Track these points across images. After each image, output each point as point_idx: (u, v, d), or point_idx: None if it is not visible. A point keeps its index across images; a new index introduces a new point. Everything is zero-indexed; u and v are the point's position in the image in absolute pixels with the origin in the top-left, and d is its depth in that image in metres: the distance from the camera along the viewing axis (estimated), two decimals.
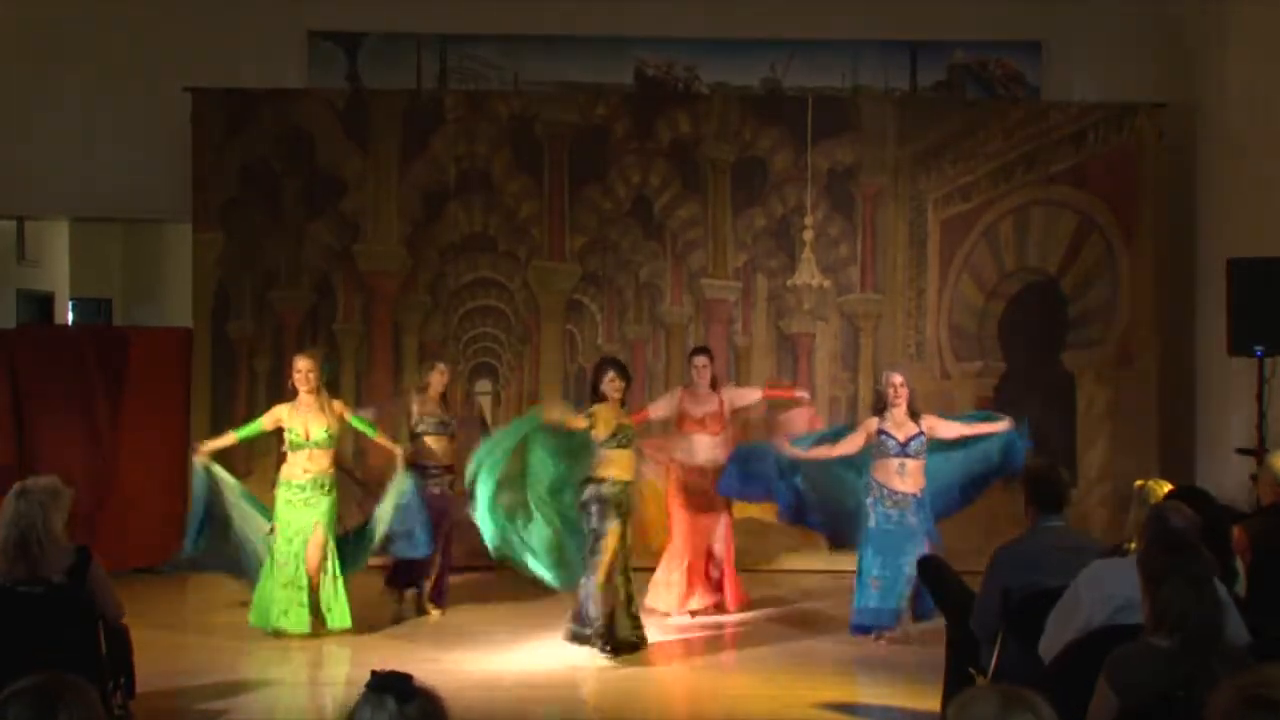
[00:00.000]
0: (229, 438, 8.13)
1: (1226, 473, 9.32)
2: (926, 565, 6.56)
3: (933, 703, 6.11)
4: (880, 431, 7.79)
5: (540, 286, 10.29)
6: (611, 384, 7.54)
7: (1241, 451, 8.73)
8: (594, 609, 7.38)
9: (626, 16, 10.51)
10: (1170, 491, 5.49)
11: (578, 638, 7.46)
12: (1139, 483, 5.85)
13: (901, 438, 7.74)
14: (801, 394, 8.85)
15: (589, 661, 7.43)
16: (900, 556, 7.61)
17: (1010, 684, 2.61)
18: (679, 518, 8.44)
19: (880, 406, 7.92)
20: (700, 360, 8.52)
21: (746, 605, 8.65)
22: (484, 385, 9.85)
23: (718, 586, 8.52)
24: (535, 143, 10.27)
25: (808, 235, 10.24)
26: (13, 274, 13.35)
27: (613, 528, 7.38)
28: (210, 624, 8.20)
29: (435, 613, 8.48)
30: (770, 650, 8.05)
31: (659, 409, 8.60)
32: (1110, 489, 9.89)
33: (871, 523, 7.80)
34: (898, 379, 7.91)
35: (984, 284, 10.26)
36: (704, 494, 8.34)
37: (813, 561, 9.75)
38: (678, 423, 8.45)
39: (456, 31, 10.59)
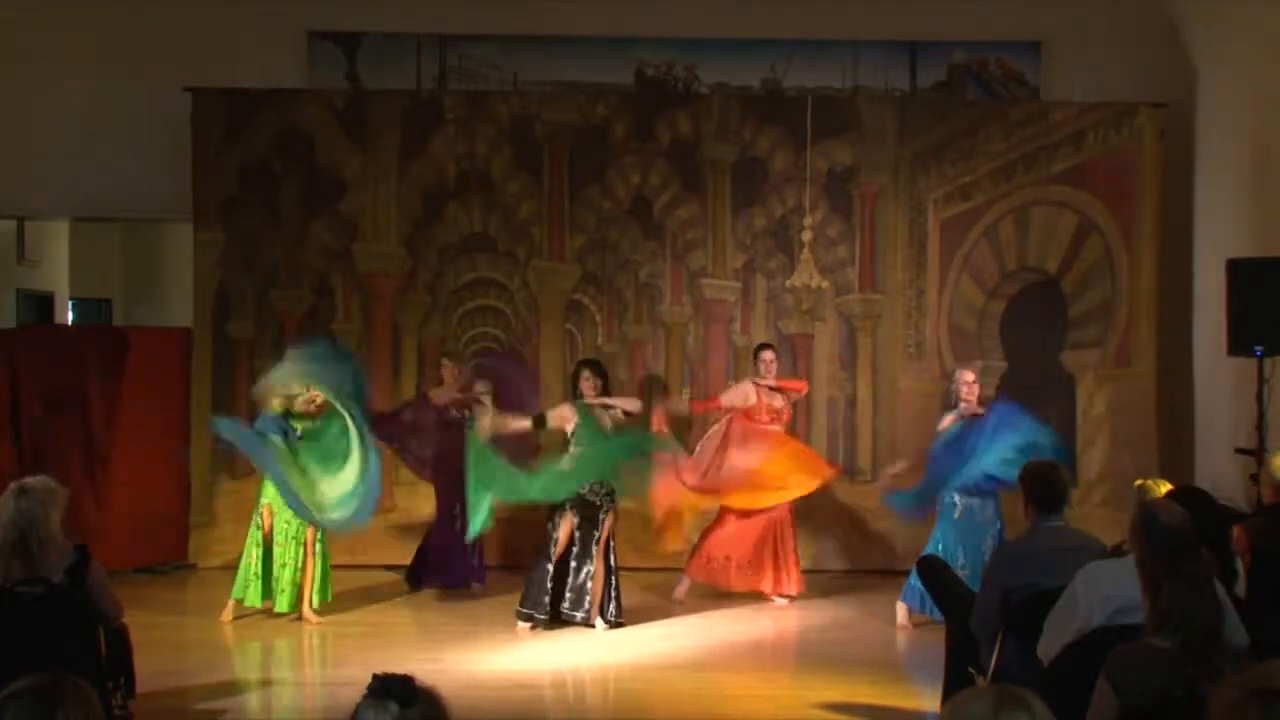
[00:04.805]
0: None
1: (1226, 473, 9.32)
2: (926, 566, 6.55)
3: (933, 703, 6.12)
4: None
5: (540, 286, 10.29)
6: (586, 383, 8.28)
7: (1241, 451, 8.73)
8: (542, 592, 8.04)
9: (626, 16, 10.50)
10: (1170, 491, 5.50)
11: (522, 617, 8.04)
12: (1139, 482, 5.87)
13: None
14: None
15: (589, 662, 7.47)
16: (981, 546, 7.84)
17: (1010, 684, 2.61)
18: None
19: (952, 403, 8.32)
20: (768, 355, 8.97)
21: (793, 594, 8.87)
22: (484, 385, 9.82)
23: (765, 571, 8.86)
24: (535, 143, 10.27)
25: (806, 236, 10.24)
26: (13, 274, 13.34)
27: (566, 518, 8.04)
28: (210, 624, 8.20)
29: (475, 587, 9.18)
30: (770, 650, 8.08)
31: (731, 398, 9.00)
32: (1110, 489, 9.89)
33: (956, 514, 8.04)
34: (970, 376, 8.38)
35: (984, 284, 10.26)
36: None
37: (817, 561, 9.77)
38: (754, 413, 8.86)
39: (456, 31, 10.58)
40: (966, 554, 7.89)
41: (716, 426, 9.03)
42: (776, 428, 8.96)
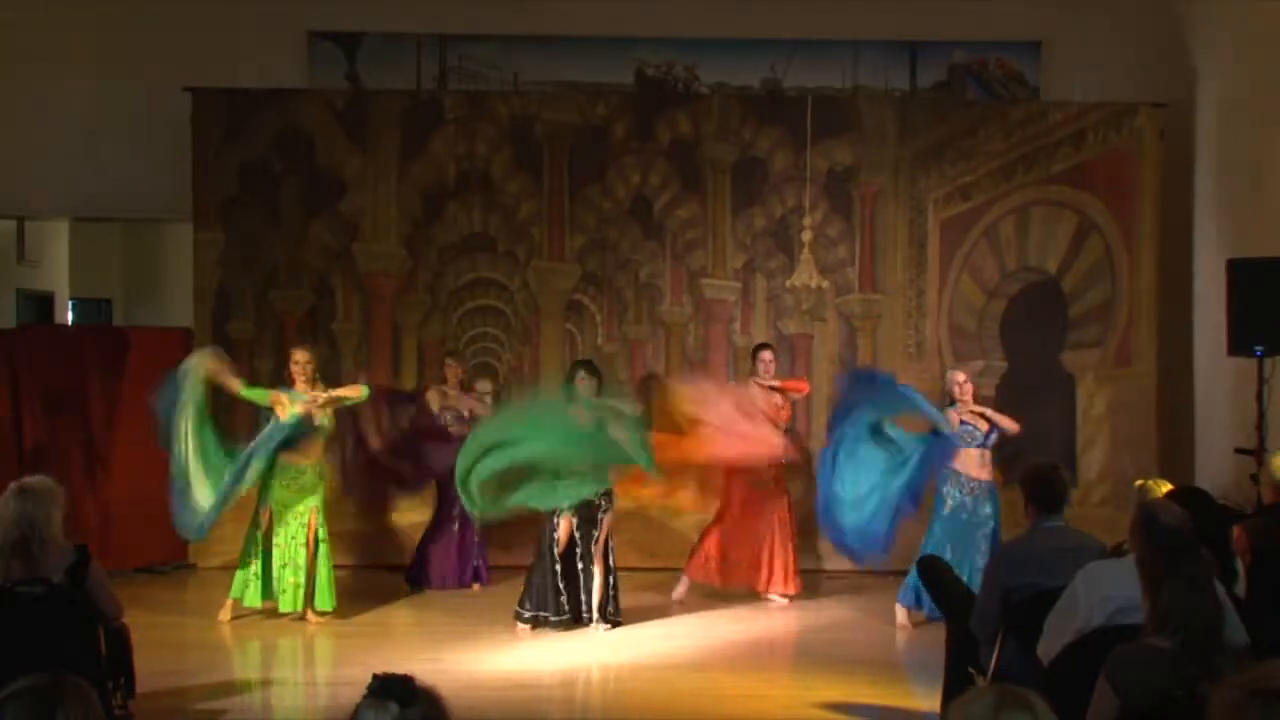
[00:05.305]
0: (237, 383, 8.28)
1: (1226, 473, 9.33)
2: (926, 565, 6.55)
3: (933, 703, 6.12)
4: (962, 421, 8.22)
5: (540, 286, 10.29)
6: (582, 383, 8.19)
7: (1241, 451, 8.73)
8: (553, 593, 8.02)
9: (626, 16, 10.51)
10: (1170, 491, 5.50)
11: (523, 619, 8.03)
12: (1139, 482, 5.87)
13: (984, 428, 8.22)
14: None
15: (589, 661, 7.48)
16: (971, 545, 7.88)
17: (1010, 684, 2.61)
18: (735, 499, 8.85)
19: (949, 403, 8.36)
20: (767, 355, 9.00)
21: (792, 593, 8.89)
22: (484, 385, 9.84)
23: (763, 570, 8.88)
24: (535, 143, 10.27)
25: (806, 236, 10.25)
26: (13, 274, 13.33)
27: (564, 517, 8.02)
28: (210, 624, 8.20)
29: (476, 587, 9.24)
30: (770, 650, 8.08)
31: (757, 402, 8.90)
32: (1110, 489, 9.90)
33: (946, 509, 8.12)
34: (961, 376, 8.43)
35: (984, 284, 10.27)
36: (762, 478, 8.83)
37: (816, 561, 9.78)
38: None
39: (456, 31, 10.58)
40: (956, 550, 7.88)
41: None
42: (779, 425, 8.94)
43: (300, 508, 8.18)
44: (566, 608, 8.04)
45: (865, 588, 9.38)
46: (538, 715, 6.67)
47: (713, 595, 8.96)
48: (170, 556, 9.95)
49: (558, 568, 8.05)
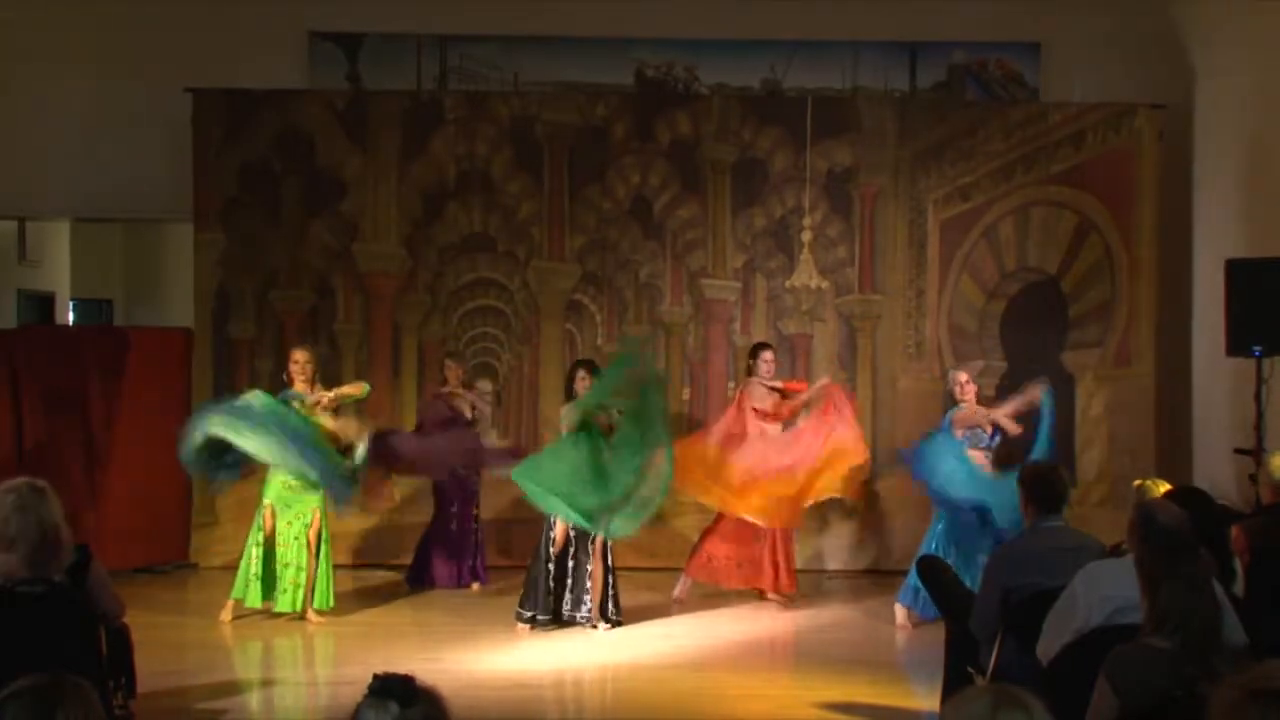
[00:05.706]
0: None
1: (1225, 473, 9.33)
2: (926, 565, 6.56)
3: (933, 703, 6.13)
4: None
5: (540, 286, 10.30)
6: (582, 383, 8.25)
7: (1239, 451, 8.74)
8: (543, 592, 8.05)
9: (626, 16, 10.51)
10: (1168, 491, 5.51)
11: (522, 618, 8.04)
12: (1137, 482, 5.87)
13: (988, 430, 8.21)
14: None
15: (589, 661, 7.49)
16: (973, 546, 7.86)
17: (1009, 684, 2.62)
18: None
19: (950, 403, 8.38)
20: (769, 355, 8.97)
21: (790, 593, 8.86)
22: (484, 385, 9.86)
23: (765, 569, 8.83)
24: (535, 143, 10.28)
25: (806, 236, 10.26)
26: (13, 274, 13.34)
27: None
28: (210, 624, 8.20)
29: (476, 587, 9.22)
30: (770, 650, 8.09)
31: (762, 402, 8.89)
32: (1110, 489, 9.90)
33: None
34: (963, 376, 8.40)
35: (984, 284, 10.27)
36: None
37: (816, 561, 9.80)
38: (761, 411, 8.85)
39: (456, 32, 10.59)
40: (958, 553, 7.90)
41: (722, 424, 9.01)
42: (773, 425, 8.95)
43: (302, 507, 8.20)
44: (552, 607, 8.06)
45: (865, 588, 9.40)
46: (537, 715, 6.68)
47: (713, 595, 8.96)
48: (170, 556, 9.96)
49: (551, 567, 8.06)
